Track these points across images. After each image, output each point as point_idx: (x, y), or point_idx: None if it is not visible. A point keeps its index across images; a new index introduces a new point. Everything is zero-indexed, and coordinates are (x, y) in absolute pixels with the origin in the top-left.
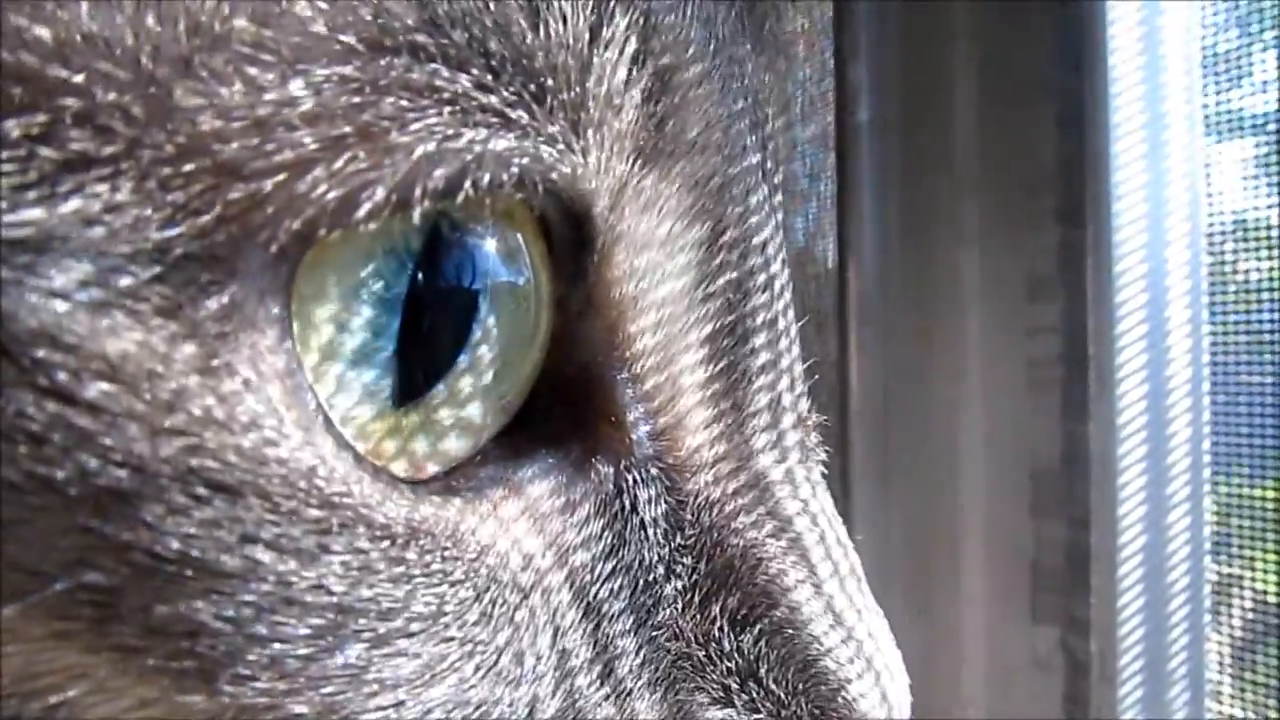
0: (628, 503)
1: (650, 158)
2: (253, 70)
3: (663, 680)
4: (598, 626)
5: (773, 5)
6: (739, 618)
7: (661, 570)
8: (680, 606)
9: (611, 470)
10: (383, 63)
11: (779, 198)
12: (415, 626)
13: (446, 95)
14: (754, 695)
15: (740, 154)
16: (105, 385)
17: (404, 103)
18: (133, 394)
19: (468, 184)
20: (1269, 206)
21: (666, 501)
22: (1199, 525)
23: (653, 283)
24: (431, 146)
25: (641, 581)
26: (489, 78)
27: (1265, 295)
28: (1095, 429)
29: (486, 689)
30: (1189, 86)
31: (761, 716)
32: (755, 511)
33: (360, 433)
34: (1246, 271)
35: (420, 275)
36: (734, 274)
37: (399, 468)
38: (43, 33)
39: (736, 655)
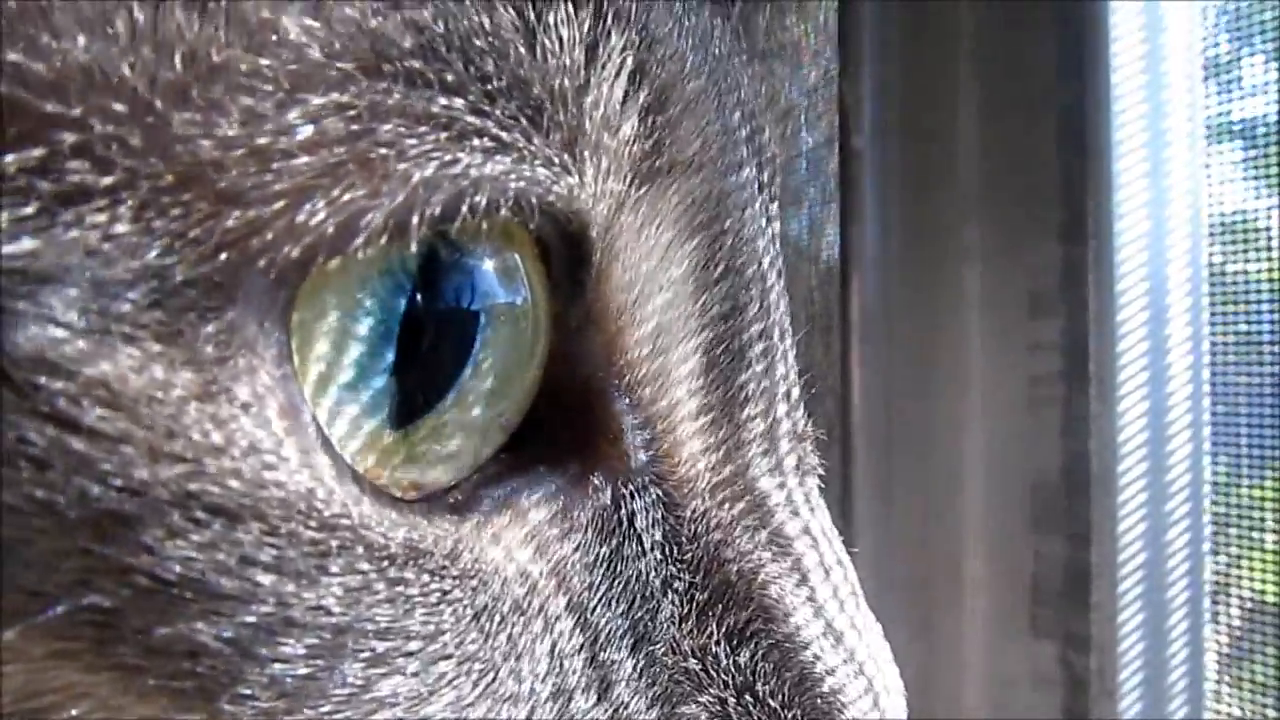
0: (626, 520)
1: (647, 176)
2: (250, 99)
3: (661, 696)
4: (595, 643)
5: (773, 13)
6: (736, 633)
7: (659, 587)
8: (678, 622)
9: (610, 488)
10: (379, 89)
11: (775, 214)
12: (414, 646)
13: (443, 120)
14: (751, 710)
15: (736, 171)
16: (105, 411)
17: (401, 129)
18: (132, 419)
19: (465, 208)
20: (1269, 220)
21: (665, 519)
22: (1198, 542)
23: (649, 300)
24: (428, 172)
25: (639, 598)
26: (485, 102)
27: (1266, 311)
28: (1096, 445)
29: (485, 707)
30: (1191, 102)
31: None
32: (752, 529)
33: (359, 454)
34: (1247, 285)
35: (418, 297)
36: (730, 290)
37: (397, 488)
38: (39, 67)
39: (734, 670)
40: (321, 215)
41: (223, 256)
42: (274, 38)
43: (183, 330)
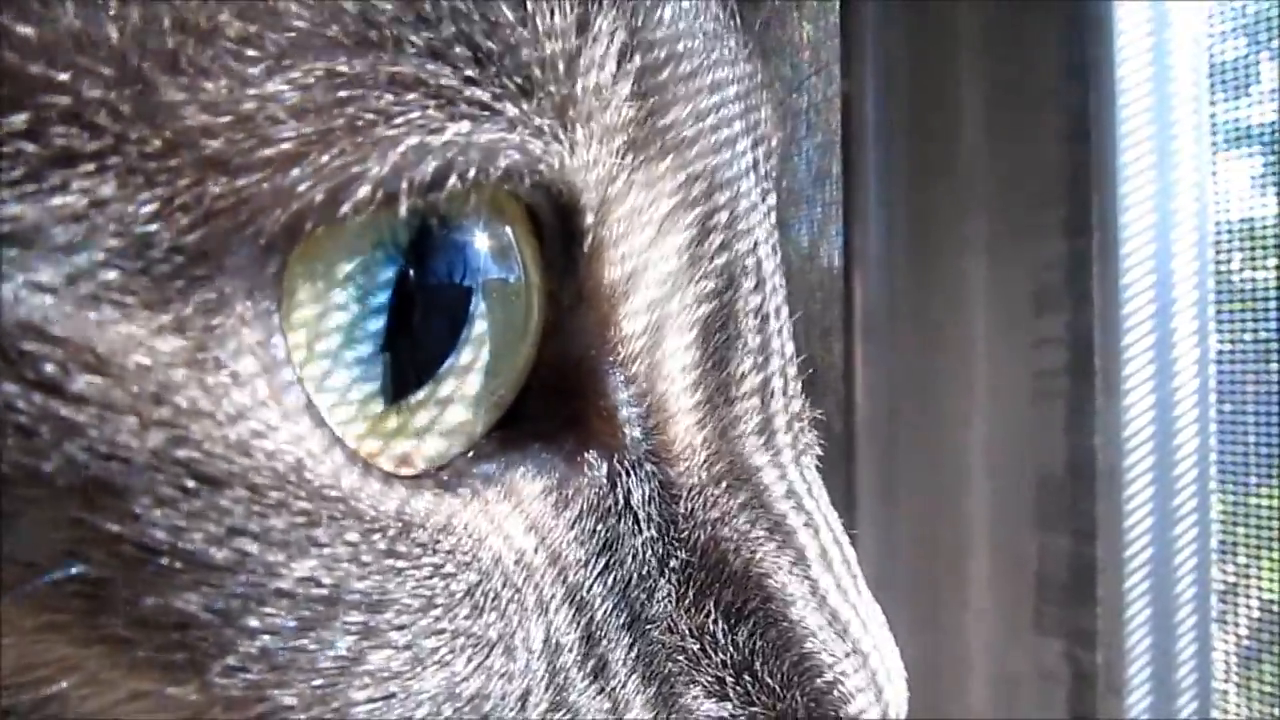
0: (620, 496)
1: (640, 151)
2: (238, 65)
3: (657, 674)
4: (590, 620)
5: (774, 10)
6: (733, 611)
7: (655, 564)
8: (674, 600)
9: (604, 464)
10: (369, 57)
11: (772, 196)
12: (406, 619)
13: (432, 89)
14: (749, 688)
15: (730, 147)
16: (92, 378)
17: (390, 97)
18: (120, 386)
19: (454, 177)
20: (1276, 216)
21: (659, 495)
22: (1205, 536)
23: (643, 276)
24: (417, 140)
25: (635, 575)
26: (476, 71)
27: (1272, 306)
28: (1101, 441)
29: (478, 682)
30: (1197, 97)
31: (756, 710)
32: (748, 506)
33: (351, 426)
34: (1253, 282)
35: (411, 272)
36: (723, 267)
37: (390, 462)
38: (28, 31)
39: (731, 648)
40: (310, 182)
41: (210, 223)
42: (262, 4)
43: (170, 297)
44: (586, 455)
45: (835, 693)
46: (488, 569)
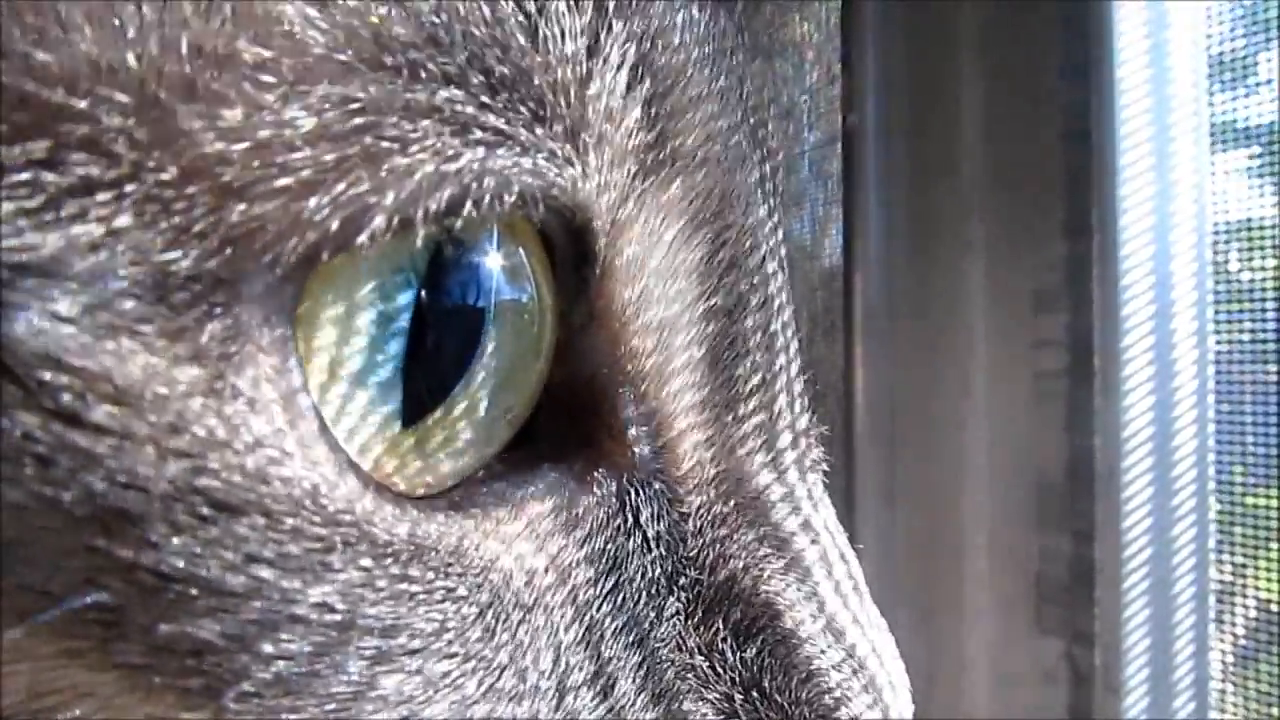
0: (630, 517)
1: (650, 170)
2: (254, 91)
3: (666, 693)
4: (600, 641)
5: (775, 11)
6: (742, 630)
7: (664, 584)
8: (683, 619)
9: (614, 484)
10: (383, 83)
11: (779, 211)
12: (418, 644)
13: (447, 115)
14: (757, 706)
15: (740, 166)
16: (110, 407)
17: (405, 123)
18: (137, 416)
19: (469, 204)
20: (1274, 216)
21: (668, 515)
22: (1203, 537)
23: (653, 295)
24: (432, 167)
25: (644, 595)
26: (489, 96)
27: (1270, 307)
28: (1100, 441)
29: (489, 706)
30: (1196, 98)
31: None
32: (755, 526)
33: (364, 450)
34: (1252, 284)
35: (424, 294)
36: (733, 286)
37: (403, 485)
38: (47, 58)
39: (739, 667)
40: (326, 210)
41: (227, 251)
42: (278, 29)
43: (187, 326)
44: (596, 474)
45: (842, 710)
46: (499, 590)
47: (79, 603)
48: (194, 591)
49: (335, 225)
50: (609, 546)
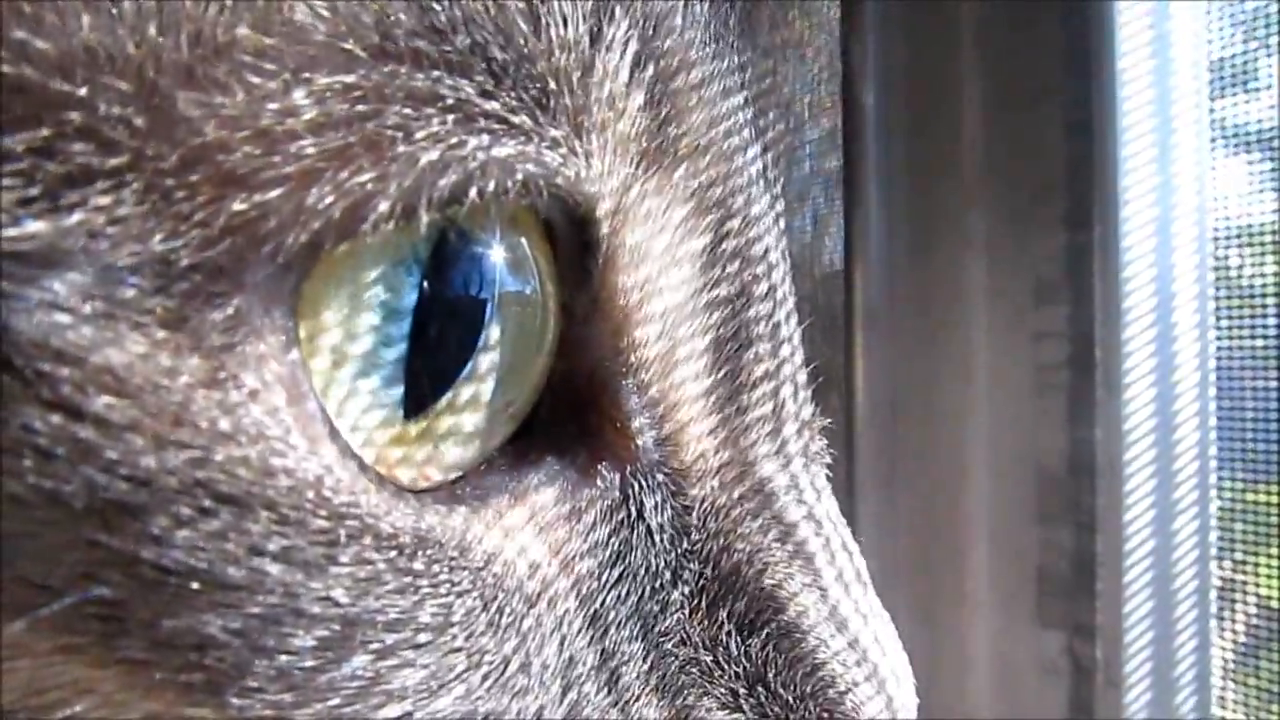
0: (634, 509)
1: (653, 160)
2: (256, 79)
3: (670, 686)
4: (604, 633)
5: (776, 7)
6: (746, 623)
7: (668, 576)
8: (687, 612)
9: (617, 476)
10: (386, 70)
11: (780, 202)
12: (422, 637)
13: (450, 102)
14: (762, 700)
15: (741, 154)
16: (110, 398)
17: (408, 111)
18: (138, 407)
19: (473, 191)
20: (1275, 212)
21: (672, 507)
22: (1205, 530)
23: (656, 286)
24: (435, 155)
25: (648, 588)
26: (491, 84)
27: (1272, 300)
28: (1102, 434)
29: (494, 699)
30: (1197, 91)
31: None
32: (759, 517)
33: (367, 442)
34: (1253, 277)
35: (427, 285)
36: (736, 277)
37: (406, 477)
38: (45, 46)
39: (744, 660)
40: (329, 199)
41: (229, 241)
42: (279, 17)
43: (189, 316)
44: (600, 466)
45: (847, 703)
46: (502, 583)
47: (79, 597)
48: (196, 585)
49: (338, 214)
50: (613, 538)
